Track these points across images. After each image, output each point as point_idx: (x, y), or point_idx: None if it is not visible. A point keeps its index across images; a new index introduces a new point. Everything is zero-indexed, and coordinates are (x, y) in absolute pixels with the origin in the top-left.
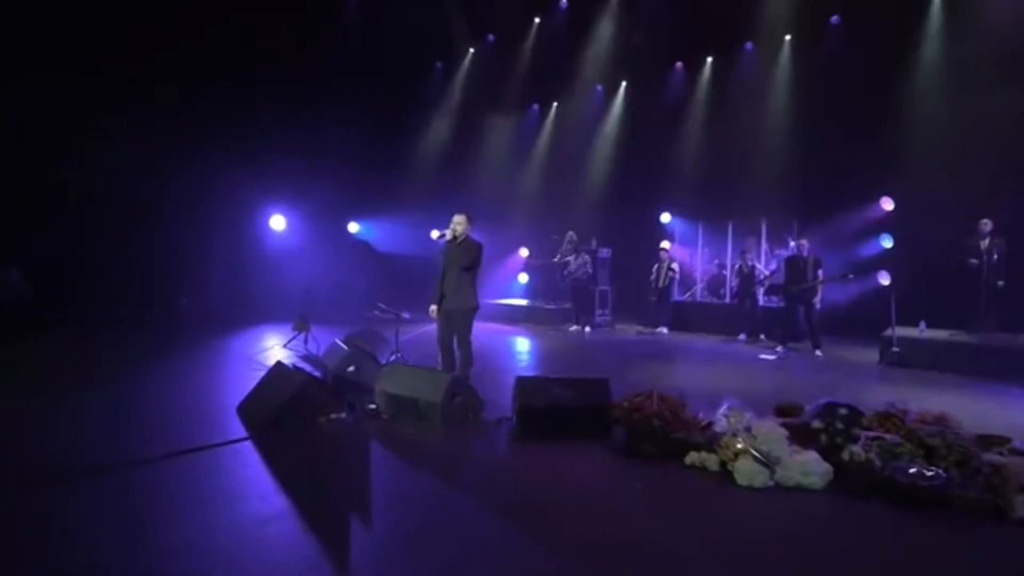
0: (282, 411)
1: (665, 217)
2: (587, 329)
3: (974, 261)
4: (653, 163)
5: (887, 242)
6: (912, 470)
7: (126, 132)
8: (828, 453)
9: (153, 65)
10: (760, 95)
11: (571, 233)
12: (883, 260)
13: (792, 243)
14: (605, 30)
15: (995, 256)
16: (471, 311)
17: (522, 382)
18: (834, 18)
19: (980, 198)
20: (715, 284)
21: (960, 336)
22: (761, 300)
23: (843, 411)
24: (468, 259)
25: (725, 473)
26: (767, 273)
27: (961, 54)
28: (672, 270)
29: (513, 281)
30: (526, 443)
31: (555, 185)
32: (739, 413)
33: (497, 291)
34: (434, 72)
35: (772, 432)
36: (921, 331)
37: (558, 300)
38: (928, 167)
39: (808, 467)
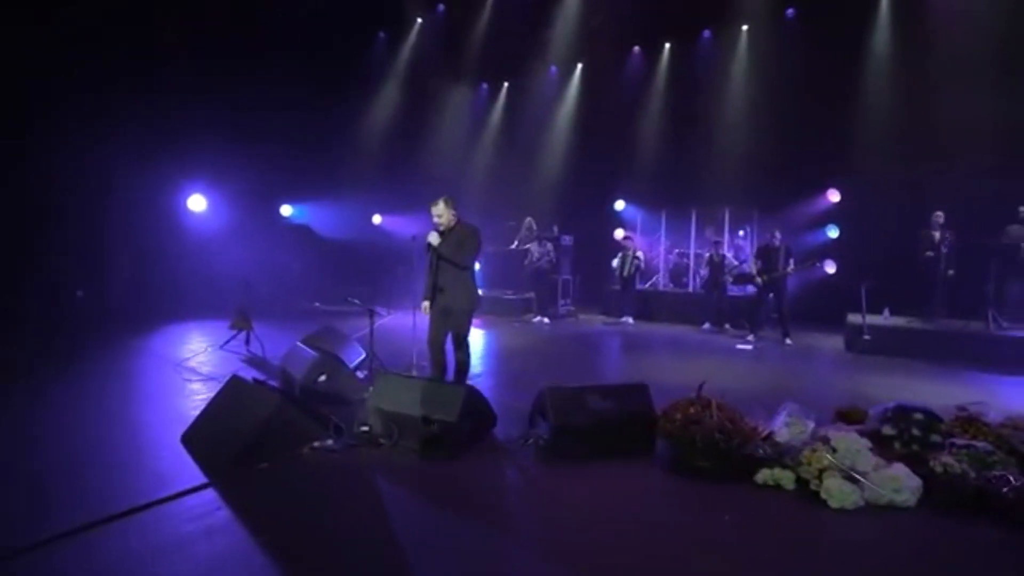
0: (254, 443)
1: (619, 205)
2: (546, 320)
3: (929, 253)
4: (610, 149)
5: (833, 232)
6: (1012, 481)
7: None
8: (911, 464)
9: (39, 19)
10: (718, 84)
11: (529, 220)
12: (830, 249)
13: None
14: (562, 9)
15: (945, 247)
16: (473, 307)
17: (554, 395)
18: (789, 11)
19: (927, 191)
20: (678, 273)
21: (916, 323)
22: (729, 290)
23: (918, 416)
24: (467, 249)
25: (804, 493)
26: (736, 263)
27: (909, 49)
28: (637, 259)
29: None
30: (563, 467)
31: (508, 169)
32: (801, 420)
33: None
34: (377, 43)
35: (854, 443)
36: (885, 318)
37: (516, 289)
38: (874, 160)
39: (900, 482)
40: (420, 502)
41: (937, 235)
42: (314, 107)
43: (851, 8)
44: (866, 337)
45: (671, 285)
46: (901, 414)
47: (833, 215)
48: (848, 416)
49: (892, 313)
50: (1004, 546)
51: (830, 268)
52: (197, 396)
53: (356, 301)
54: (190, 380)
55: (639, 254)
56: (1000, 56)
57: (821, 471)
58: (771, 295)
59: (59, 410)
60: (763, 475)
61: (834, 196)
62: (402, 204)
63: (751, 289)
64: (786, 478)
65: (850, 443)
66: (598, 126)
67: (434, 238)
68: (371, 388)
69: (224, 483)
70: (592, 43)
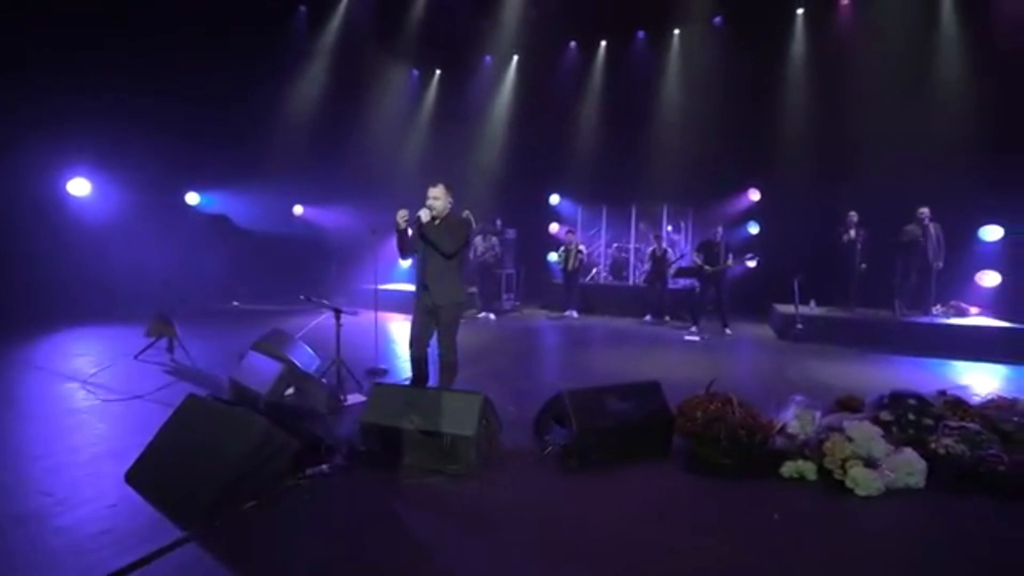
0: (237, 478)
1: (554, 199)
2: (492, 316)
3: (846, 248)
4: (547, 143)
5: (754, 228)
6: (1005, 459)
7: None
8: (912, 447)
9: None
10: (653, 84)
11: (467, 213)
12: (753, 245)
13: (669, 228)
14: None
15: (859, 243)
16: (461, 306)
17: (574, 399)
18: (717, 19)
19: (839, 193)
20: (618, 267)
21: (837, 312)
22: (670, 283)
23: (912, 401)
24: (454, 242)
25: (827, 483)
26: (676, 257)
27: (822, 62)
28: (580, 252)
29: (395, 265)
30: (591, 476)
31: (443, 160)
32: (809, 412)
33: (378, 276)
34: (297, 16)
35: (867, 432)
36: (812, 309)
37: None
38: (791, 162)
39: (912, 466)
40: (453, 529)
41: (852, 233)
42: (222, 85)
43: (772, 20)
44: (799, 326)
45: (611, 279)
46: (897, 400)
47: (754, 212)
48: (847, 404)
49: (804, 303)
50: (1002, 516)
51: (751, 263)
52: (127, 420)
53: (325, 301)
54: (108, 400)
55: (582, 248)
56: (902, 73)
57: (844, 461)
58: (713, 288)
59: None
60: (788, 468)
61: (754, 195)
62: (326, 194)
63: (682, 283)
64: (809, 469)
65: (864, 432)
66: (535, 119)
67: (425, 214)
68: (346, 400)
69: (205, 534)
70: (528, 35)
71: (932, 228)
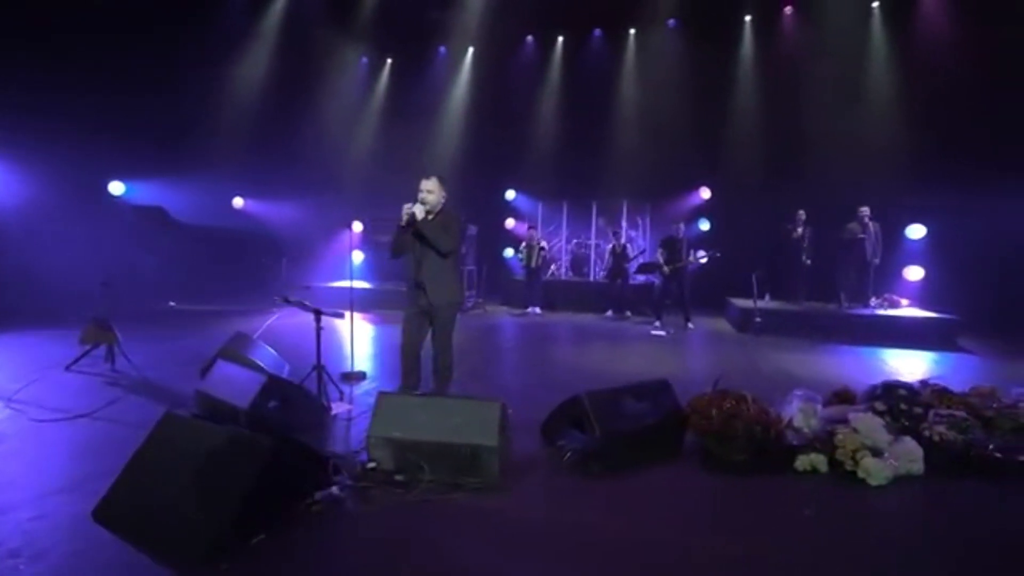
0: (242, 510)
1: (510, 194)
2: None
3: (796, 244)
4: (504, 138)
5: (704, 225)
6: (990, 444)
7: None
8: (910, 435)
9: None
10: (610, 81)
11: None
12: (704, 241)
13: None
14: None
15: (806, 240)
16: (457, 306)
17: (595, 401)
18: (671, 21)
19: (786, 192)
20: (579, 263)
21: (788, 306)
22: (631, 279)
23: (902, 391)
24: (450, 239)
25: (838, 474)
26: (634, 254)
27: (770, 67)
28: (543, 249)
29: (345, 261)
30: (617, 480)
31: (397, 152)
32: (811, 406)
33: (328, 273)
34: None
35: (871, 423)
36: (766, 303)
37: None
38: (740, 162)
39: (913, 453)
40: (492, 552)
41: (800, 230)
42: (146, 67)
43: (723, 26)
44: (758, 320)
45: (572, 275)
46: (888, 391)
47: (704, 210)
48: (842, 397)
49: (769, 298)
50: (991, 495)
51: (702, 258)
52: (73, 444)
53: (306, 302)
54: (41, 420)
55: (544, 244)
56: (841, 80)
57: (855, 452)
58: (675, 284)
59: None
60: (802, 461)
61: (705, 193)
62: (271, 186)
63: (642, 278)
64: (820, 462)
65: (869, 423)
66: (491, 113)
67: (419, 210)
68: (334, 411)
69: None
70: (484, 28)
71: (872, 226)
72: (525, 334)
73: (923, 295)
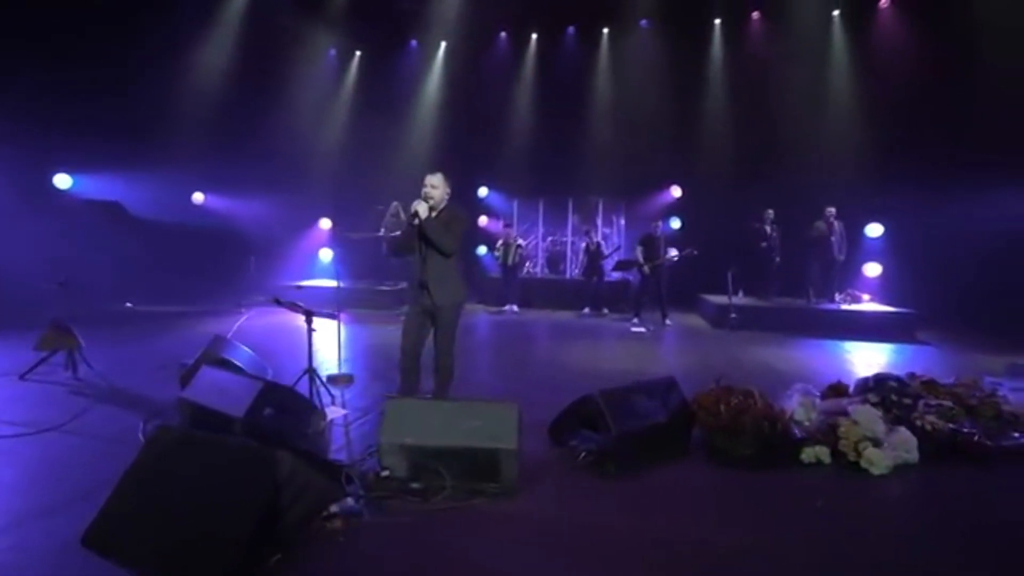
0: (257, 530)
1: (482, 191)
2: None
3: (764, 244)
4: (477, 134)
5: (676, 223)
6: (976, 431)
7: None
8: (903, 425)
9: None
10: (584, 79)
11: (396, 204)
12: (676, 240)
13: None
14: None
15: (775, 238)
16: (460, 306)
17: (608, 400)
18: (643, 21)
19: (755, 191)
20: (554, 260)
21: (760, 302)
22: (607, 276)
23: (892, 383)
24: (455, 238)
25: (841, 464)
26: (607, 252)
27: (738, 70)
28: (520, 247)
29: (314, 259)
30: (635, 480)
31: (367, 147)
32: (810, 399)
33: (295, 272)
34: None
35: (870, 414)
36: (740, 299)
37: (390, 280)
38: (710, 162)
39: (908, 443)
40: (523, 561)
41: (768, 228)
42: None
43: (693, 27)
44: (734, 316)
45: (548, 272)
46: (880, 383)
47: (675, 209)
48: (837, 390)
49: (742, 295)
50: (982, 480)
51: (674, 256)
52: (43, 462)
53: (300, 303)
54: (1, 436)
55: (521, 242)
56: (805, 83)
57: (857, 443)
58: (653, 281)
59: None
60: (807, 454)
61: (676, 191)
62: (232, 180)
63: (615, 276)
64: (824, 453)
65: (867, 414)
66: (463, 109)
67: (423, 208)
68: (328, 417)
69: None
70: (457, 22)
71: (837, 225)
72: (505, 332)
73: (882, 290)
